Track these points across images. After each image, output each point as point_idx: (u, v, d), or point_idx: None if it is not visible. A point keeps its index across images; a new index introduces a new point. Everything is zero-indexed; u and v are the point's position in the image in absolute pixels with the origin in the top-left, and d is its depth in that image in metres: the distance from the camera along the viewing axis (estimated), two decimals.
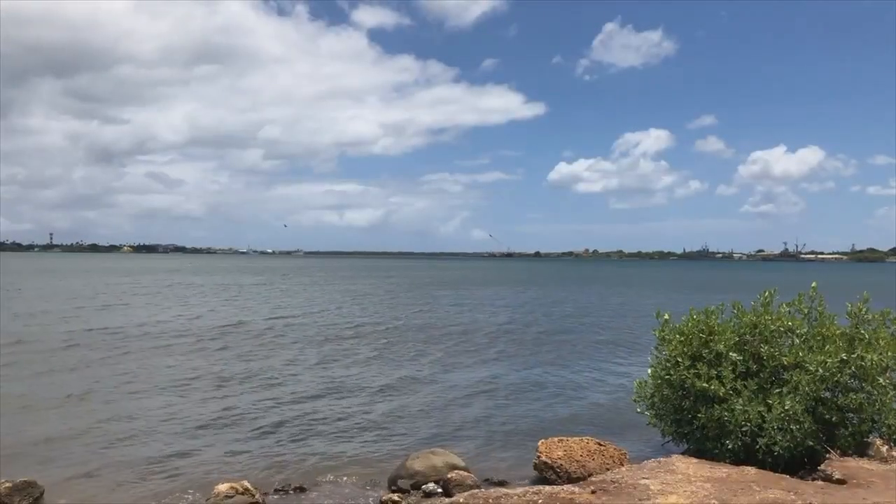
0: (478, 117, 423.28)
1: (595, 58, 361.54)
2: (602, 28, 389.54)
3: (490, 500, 8.13)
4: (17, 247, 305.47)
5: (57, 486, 10.48)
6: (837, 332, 10.76)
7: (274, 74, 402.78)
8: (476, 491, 9.09)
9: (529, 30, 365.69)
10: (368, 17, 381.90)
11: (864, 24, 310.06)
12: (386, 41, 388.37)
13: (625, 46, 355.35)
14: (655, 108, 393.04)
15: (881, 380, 10.18)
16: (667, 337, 11.39)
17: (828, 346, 10.31)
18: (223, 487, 9.49)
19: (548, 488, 8.60)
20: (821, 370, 10.04)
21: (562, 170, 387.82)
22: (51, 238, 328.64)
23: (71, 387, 17.77)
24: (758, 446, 9.85)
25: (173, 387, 18.14)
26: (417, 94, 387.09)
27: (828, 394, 10.30)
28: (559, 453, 11.19)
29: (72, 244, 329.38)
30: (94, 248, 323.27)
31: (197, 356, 23.35)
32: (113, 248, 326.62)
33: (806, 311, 11.33)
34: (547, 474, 10.99)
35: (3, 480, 9.87)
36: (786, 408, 9.75)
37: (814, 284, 11.42)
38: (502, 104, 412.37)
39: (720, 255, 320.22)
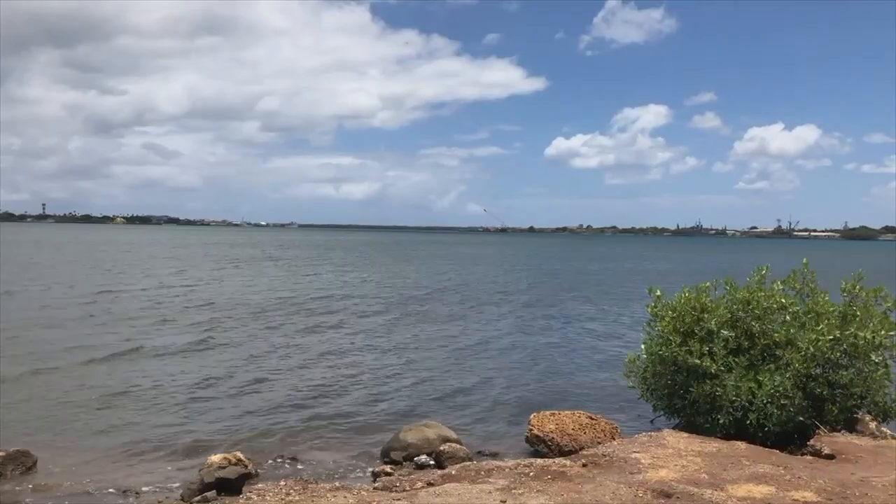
0: (478, 91, 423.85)
1: (597, 34, 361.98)
2: (604, 4, 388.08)
3: (482, 472, 8.18)
4: (9, 216, 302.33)
5: (50, 457, 10.48)
6: (831, 309, 10.80)
7: (276, 47, 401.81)
8: (468, 463, 9.16)
9: (532, 5, 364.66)
10: None
11: (864, 3, 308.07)
12: (389, 15, 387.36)
13: (627, 23, 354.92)
14: (655, 84, 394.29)
15: (874, 356, 10.24)
16: (659, 313, 11.41)
17: (821, 325, 10.33)
18: (216, 458, 9.48)
19: (539, 461, 8.67)
20: (812, 348, 10.08)
21: (559, 145, 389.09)
22: (43, 208, 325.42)
23: (82, 358, 17.75)
24: (748, 421, 9.92)
25: (176, 358, 18.19)
26: (419, 68, 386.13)
27: (819, 370, 10.36)
28: (551, 427, 11.24)
29: (64, 215, 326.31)
30: (87, 219, 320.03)
31: (208, 331, 23.36)
32: (106, 220, 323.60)
33: (798, 287, 11.37)
34: (539, 447, 11.06)
35: None
36: (776, 384, 9.81)
37: (805, 260, 11.45)
38: (503, 78, 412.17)
39: (713, 231, 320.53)
